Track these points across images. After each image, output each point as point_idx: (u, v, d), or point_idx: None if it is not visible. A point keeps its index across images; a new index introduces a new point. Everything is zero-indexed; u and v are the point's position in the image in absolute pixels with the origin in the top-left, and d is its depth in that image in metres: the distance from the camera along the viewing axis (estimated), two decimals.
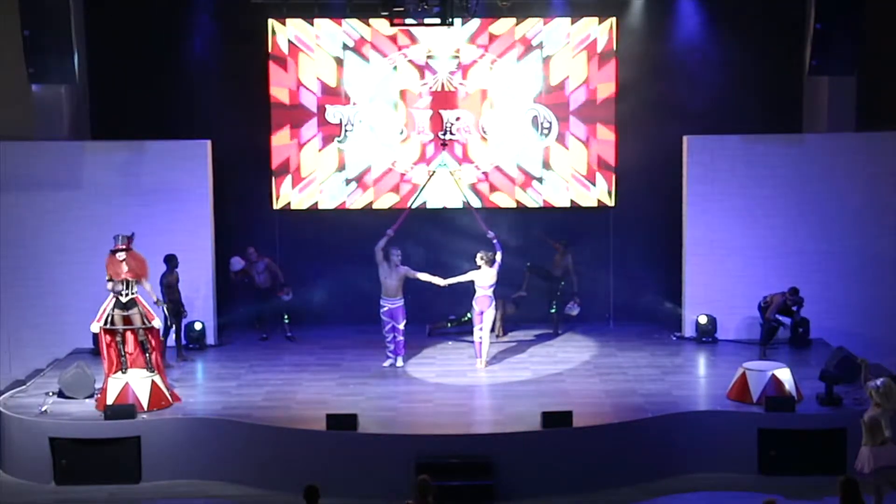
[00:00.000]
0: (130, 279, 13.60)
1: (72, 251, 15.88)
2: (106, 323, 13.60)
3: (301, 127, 17.01)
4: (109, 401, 13.18)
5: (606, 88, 17.06)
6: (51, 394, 13.86)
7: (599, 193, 17.15)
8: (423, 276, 15.21)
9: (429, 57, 16.94)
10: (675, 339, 16.52)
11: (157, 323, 13.79)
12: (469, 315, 15.73)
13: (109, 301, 13.63)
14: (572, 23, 16.96)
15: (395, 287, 15.05)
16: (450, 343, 16.51)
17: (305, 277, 17.05)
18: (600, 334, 16.85)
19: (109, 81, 16.86)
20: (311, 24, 16.87)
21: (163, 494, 12.76)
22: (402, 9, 14.02)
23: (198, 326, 16.18)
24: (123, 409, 13.06)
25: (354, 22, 16.81)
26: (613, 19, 16.98)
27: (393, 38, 16.88)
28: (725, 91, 17.02)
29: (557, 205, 17.17)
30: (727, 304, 16.24)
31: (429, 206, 16.92)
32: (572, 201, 17.17)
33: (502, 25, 16.94)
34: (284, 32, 16.87)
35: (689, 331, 16.49)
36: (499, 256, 15.02)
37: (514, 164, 17.12)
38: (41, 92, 16.05)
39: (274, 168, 17.08)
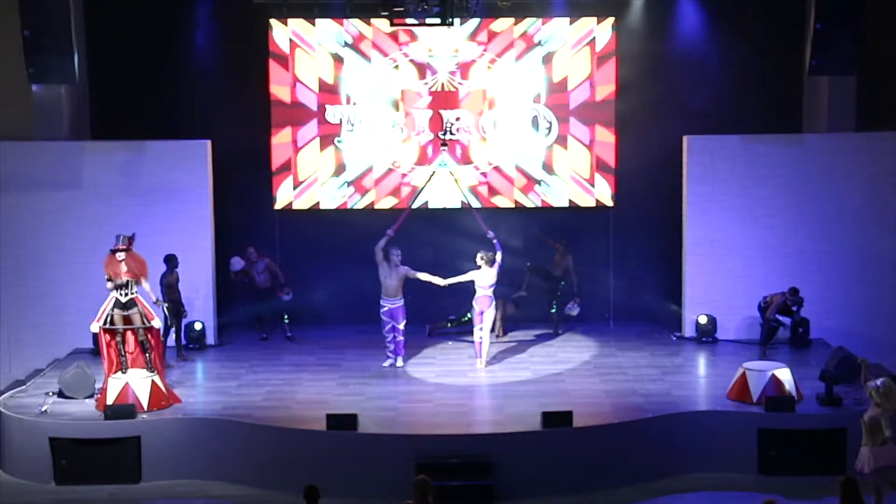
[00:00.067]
0: (130, 279, 13.61)
1: (72, 251, 15.87)
2: (106, 323, 13.59)
3: (301, 127, 17.02)
4: (109, 401, 13.17)
5: (606, 88, 17.05)
6: (51, 394, 13.86)
7: (599, 195, 17.14)
8: (423, 276, 15.20)
9: (429, 55, 16.93)
10: (675, 339, 16.52)
11: (157, 323, 13.78)
12: (469, 315, 15.73)
13: (109, 301, 13.62)
14: (571, 22, 16.95)
15: (395, 287, 15.04)
16: (450, 343, 16.50)
17: (305, 277, 17.03)
18: (600, 334, 16.84)
19: (109, 81, 16.86)
20: (313, 25, 16.87)
21: (163, 494, 12.75)
22: (402, 9, 14.01)
23: (198, 326, 16.18)
24: (123, 409, 13.06)
25: (355, 20, 16.80)
26: (613, 19, 16.97)
27: (394, 36, 16.86)
28: (725, 91, 17.02)
29: (557, 205, 17.17)
30: (727, 304, 16.23)
31: (430, 206, 16.91)
32: (571, 201, 17.17)
33: (502, 23, 16.92)
34: (285, 31, 16.88)
35: (689, 331, 16.49)
36: (499, 256, 15.02)
37: (513, 165, 17.10)
38: (41, 92, 16.04)
39: (274, 168, 17.08)
